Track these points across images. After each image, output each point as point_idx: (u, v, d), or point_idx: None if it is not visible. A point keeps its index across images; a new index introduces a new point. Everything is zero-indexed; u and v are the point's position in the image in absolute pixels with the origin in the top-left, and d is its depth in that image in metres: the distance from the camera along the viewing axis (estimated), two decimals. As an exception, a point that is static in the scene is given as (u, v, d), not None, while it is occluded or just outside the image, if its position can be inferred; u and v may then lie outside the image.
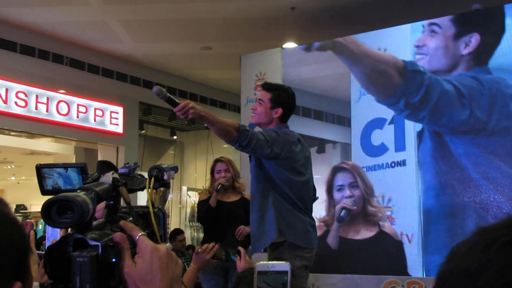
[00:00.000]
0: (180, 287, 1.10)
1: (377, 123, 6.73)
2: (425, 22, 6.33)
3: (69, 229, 1.07)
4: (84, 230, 1.05)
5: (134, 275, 1.04)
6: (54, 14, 7.98)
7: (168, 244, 1.16)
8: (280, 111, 4.12)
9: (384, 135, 6.63)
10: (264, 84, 4.36)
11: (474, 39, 5.97)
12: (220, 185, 5.13)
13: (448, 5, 6.97)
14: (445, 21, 6.20)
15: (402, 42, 6.66)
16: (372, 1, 7.34)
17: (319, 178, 6.68)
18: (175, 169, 1.32)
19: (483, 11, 6.23)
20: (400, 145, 6.50)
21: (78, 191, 1.07)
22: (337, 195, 6.75)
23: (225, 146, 12.61)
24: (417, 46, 6.29)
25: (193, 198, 12.93)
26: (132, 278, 1.04)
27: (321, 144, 7.32)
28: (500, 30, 5.99)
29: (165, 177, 1.26)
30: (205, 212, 5.22)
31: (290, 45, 8.54)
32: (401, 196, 6.46)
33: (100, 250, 1.02)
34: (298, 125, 6.47)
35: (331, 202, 6.80)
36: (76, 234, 1.05)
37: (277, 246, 4.01)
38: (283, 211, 4.01)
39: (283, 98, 4.17)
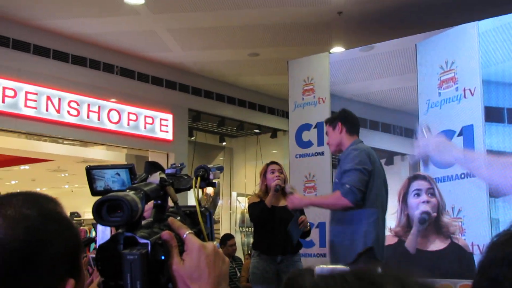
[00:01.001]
0: (227, 284, 1.11)
1: (446, 135, 6.62)
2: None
3: (119, 229, 1.10)
4: (134, 229, 1.08)
5: (182, 272, 1.06)
6: (104, 25, 8.12)
7: (215, 242, 1.18)
8: (339, 125, 4.49)
9: None
10: (324, 121, 4.86)
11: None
12: (277, 186, 5.24)
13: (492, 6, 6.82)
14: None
15: (469, 46, 6.56)
16: (422, 3, 7.25)
17: (389, 189, 6.73)
18: (220, 169, 1.34)
19: None
20: None
21: (127, 190, 1.10)
22: (412, 201, 6.67)
23: (274, 151, 12.68)
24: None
25: (243, 203, 12.95)
26: (180, 275, 1.06)
27: (389, 156, 7.30)
28: None
29: (211, 176, 1.27)
30: (260, 212, 5.26)
31: (337, 49, 8.51)
32: (471, 207, 6.35)
33: (149, 248, 1.05)
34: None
35: (403, 211, 6.73)
36: (126, 233, 1.07)
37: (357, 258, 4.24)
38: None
39: (336, 115, 4.71)
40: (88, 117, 8.71)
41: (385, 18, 7.67)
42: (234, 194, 13.08)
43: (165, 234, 1.08)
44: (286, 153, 8.52)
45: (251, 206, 5.47)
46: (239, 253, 10.57)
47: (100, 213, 1.05)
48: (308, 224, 5.33)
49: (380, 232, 4.39)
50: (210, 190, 10.96)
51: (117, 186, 1.29)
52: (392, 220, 6.65)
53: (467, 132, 6.43)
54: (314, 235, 7.21)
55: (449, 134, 6.51)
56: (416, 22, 7.50)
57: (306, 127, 7.73)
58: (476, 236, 6.23)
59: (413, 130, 6.89)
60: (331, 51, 8.26)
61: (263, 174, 5.53)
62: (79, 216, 14.83)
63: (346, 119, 4.59)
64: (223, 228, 12.44)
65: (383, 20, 7.71)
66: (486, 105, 6.32)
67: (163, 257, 1.06)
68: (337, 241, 4.41)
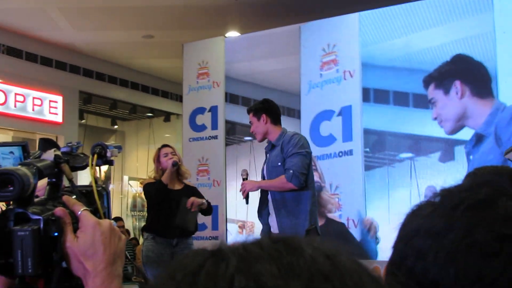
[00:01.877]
0: (123, 261, 1.09)
1: (326, 115, 6.91)
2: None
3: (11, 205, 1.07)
4: (26, 205, 1.04)
5: (76, 249, 1.04)
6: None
7: (111, 221, 1.17)
8: (264, 116, 4.80)
9: (332, 127, 6.81)
10: (247, 110, 5.06)
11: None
12: (174, 161, 5.27)
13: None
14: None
15: (350, 34, 6.85)
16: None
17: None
18: (118, 147, 1.32)
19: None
20: (347, 136, 6.64)
21: (19, 166, 1.07)
22: None
23: (167, 135, 12.64)
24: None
25: (135, 188, 12.87)
26: (74, 252, 1.04)
27: None
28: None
29: (108, 154, 1.26)
30: (156, 190, 5.25)
31: (233, 34, 8.56)
32: (348, 183, 6.65)
33: (42, 224, 1.02)
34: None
35: None
36: (17, 209, 1.04)
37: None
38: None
39: (259, 106, 4.92)
40: (-29, 97, 8.38)
41: (280, 5, 7.78)
42: (125, 178, 12.95)
43: (58, 210, 1.06)
44: (180, 137, 8.51)
45: (147, 185, 5.43)
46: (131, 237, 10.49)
47: None
48: (204, 201, 5.36)
49: (316, 211, 4.85)
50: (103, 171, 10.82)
51: (9, 164, 1.26)
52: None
53: (345, 112, 6.73)
54: (207, 218, 7.27)
55: (329, 114, 6.84)
56: (306, 10, 7.66)
57: (200, 110, 7.76)
58: (351, 211, 6.56)
59: (295, 110, 7.25)
60: (226, 35, 8.29)
61: (157, 159, 5.51)
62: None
63: (269, 110, 4.88)
64: (114, 212, 12.27)
65: (280, 5, 7.81)
66: (364, 87, 6.67)
67: (56, 234, 1.04)
68: (285, 222, 4.66)
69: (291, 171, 4.55)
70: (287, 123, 7.38)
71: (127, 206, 12.93)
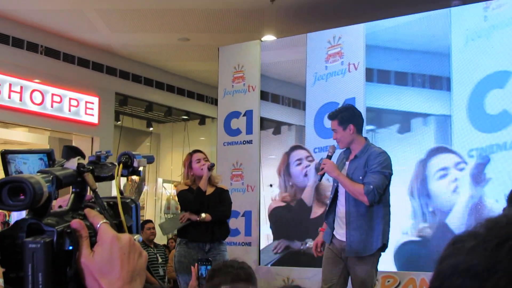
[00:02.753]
0: (143, 280, 1.03)
1: (330, 106, 6.96)
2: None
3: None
4: (41, 216, 0.99)
5: (91, 265, 0.97)
6: (28, 1, 7.87)
7: (137, 236, 1.10)
8: (351, 126, 4.85)
9: None
10: (328, 116, 5.09)
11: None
12: (212, 164, 5.39)
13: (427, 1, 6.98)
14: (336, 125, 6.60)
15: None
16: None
17: (274, 158, 7.36)
18: (151, 158, 1.26)
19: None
20: None
21: (37, 173, 1.01)
22: (296, 169, 7.22)
23: (202, 138, 12.67)
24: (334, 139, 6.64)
25: (169, 190, 12.92)
26: (88, 268, 0.97)
27: (277, 126, 7.75)
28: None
29: (135, 164, 1.19)
30: (195, 196, 5.30)
31: (269, 37, 8.52)
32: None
33: (55, 237, 0.96)
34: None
35: (287, 182, 7.30)
36: (30, 219, 0.99)
37: None
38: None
39: (346, 116, 4.92)
40: (9, 97, 8.50)
41: (316, 9, 7.72)
42: (160, 180, 13.02)
43: (75, 222, 0.99)
44: (214, 141, 8.52)
45: (181, 193, 5.46)
46: (164, 240, 10.51)
47: (1, 196, 0.95)
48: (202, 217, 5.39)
49: (389, 230, 4.80)
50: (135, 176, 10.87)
51: (32, 171, 1.21)
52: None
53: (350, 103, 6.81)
54: (240, 223, 7.24)
55: (333, 105, 6.82)
56: (341, 14, 7.58)
57: (235, 114, 7.74)
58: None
59: (300, 101, 7.43)
60: (262, 39, 8.25)
61: (188, 164, 5.52)
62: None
63: (356, 120, 4.93)
64: (148, 214, 12.38)
65: (315, 9, 7.75)
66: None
67: (70, 247, 0.98)
68: (356, 235, 4.66)
69: (371, 187, 4.57)
70: (292, 113, 7.59)
71: (160, 208, 12.99)
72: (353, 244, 4.66)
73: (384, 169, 4.67)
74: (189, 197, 5.35)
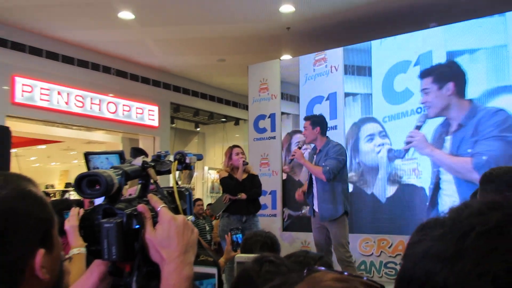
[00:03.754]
0: (195, 251, 1.02)
1: (317, 99, 7.24)
2: (420, 86, 6.30)
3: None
4: (113, 202, 1.00)
5: (154, 240, 0.98)
6: (102, 35, 7.93)
7: (190, 216, 1.10)
8: (318, 128, 5.05)
9: (322, 108, 7.01)
10: (304, 117, 5.35)
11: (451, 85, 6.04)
12: (245, 162, 5.49)
13: (409, 24, 6.85)
14: (429, 83, 6.21)
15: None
16: (348, 23, 7.24)
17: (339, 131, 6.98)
18: (200, 156, 1.25)
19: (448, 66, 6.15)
20: (333, 115, 6.99)
21: (110, 169, 1.02)
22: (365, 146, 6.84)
23: (237, 135, 12.66)
24: (423, 102, 6.28)
25: (213, 175, 12.99)
26: (152, 242, 0.98)
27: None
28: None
29: (187, 160, 1.18)
30: (234, 186, 5.40)
31: (286, 57, 8.47)
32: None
33: (125, 218, 0.97)
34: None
35: (287, 156, 7.08)
36: (105, 205, 1.00)
37: None
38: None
39: (317, 120, 5.12)
40: (90, 108, 8.61)
41: (323, 33, 7.65)
42: (206, 168, 13.09)
43: (140, 206, 1.00)
44: (246, 137, 8.47)
45: (224, 180, 5.52)
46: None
47: (80, 187, 0.97)
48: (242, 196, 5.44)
49: (347, 200, 5.07)
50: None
51: (106, 167, 1.21)
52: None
53: (332, 97, 7.02)
54: (267, 199, 7.22)
55: (319, 99, 7.14)
56: (344, 37, 7.48)
57: (262, 117, 7.75)
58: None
59: (295, 96, 7.55)
60: (281, 58, 8.21)
61: (229, 156, 5.56)
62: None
63: (323, 125, 5.14)
64: (197, 194, 12.45)
65: (321, 35, 7.68)
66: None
67: (137, 226, 0.98)
68: (324, 206, 4.97)
69: (327, 168, 4.84)
70: (287, 106, 7.60)
71: (207, 189, 13.08)
72: (323, 212, 4.96)
73: (338, 156, 4.94)
74: (229, 184, 5.41)
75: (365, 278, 0.79)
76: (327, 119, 5.56)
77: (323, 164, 4.88)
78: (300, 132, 7.06)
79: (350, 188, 6.14)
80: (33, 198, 0.92)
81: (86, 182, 0.97)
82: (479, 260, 0.59)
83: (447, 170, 5.87)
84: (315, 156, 5.12)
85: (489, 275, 0.58)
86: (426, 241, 0.65)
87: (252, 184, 5.50)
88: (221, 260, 3.44)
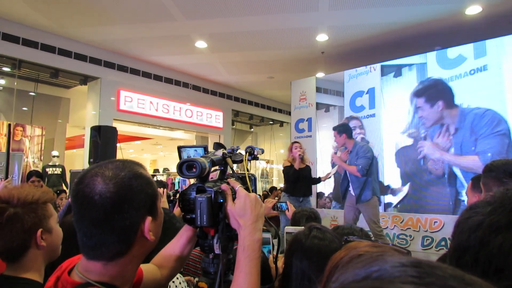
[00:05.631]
0: (263, 221, 1.02)
1: (359, 93, 6.79)
2: (414, 105, 6.03)
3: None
4: (203, 182, 1.01)
5: (233, 211, 0.99)
6: (183, 59, 8.06)
7: (256, 194, 1.10)
8: (344, 135, 4.94)
9: (363, 100, 6.70)
10: (333, 128, 5.24)
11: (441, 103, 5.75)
12: (301, 156, 5.18)
13: (418, 47, 6.61)
14: (422, 103, 5.95)
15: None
16: (371, 47, 7.06)
17: (377, 118, 6.55)
18: (262, 150, 1.26)
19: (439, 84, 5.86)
20: (372, 105, 6.64)
21: (201, 157, 1.03)
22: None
23: (281, 135, 12.57)
24: (420, 117, 6.01)
25: (263, 164, 12.95)
26: (232, 213, 0.99)
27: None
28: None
29: (256, 153, 1.18)
30: (293, 174, 5.13)
31: (320, 74, 8.35)
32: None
33: (213, 194, 0.98)
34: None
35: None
36: (198, 184, 1.01)
37: None
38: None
39: (341, 129, 5.02)
40: (173, 113, 8.73)
41: (352, 54, 7.50)
42: (257, 159, 13.08)
43: (223, 186, 1.02)
44: (289, 136, 8.42)
45: (286, 168, 5.26)
46: (260, 193, 10.54)
47: (181, 169, 0.99)
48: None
49: (376, 186, 4.94)
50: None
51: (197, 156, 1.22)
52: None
53: (371, 92, 6.65)
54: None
55: (360, 93, 6.77)
56: (370, 58, 7.31)
57: (301, 120, 7.64)
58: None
59: (341, 91, 7.16)
60: (316, 75, 8.10)
61: (290, 149, 5.32)
62: (168, 170, 14.94)
63: (347, 131, 5.02)
64: (251, 179, 12.45)
65: (350, 56, 7.53)
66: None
67: (221, 200, 0.99)
68: (358, 192, 4.90)
69: (360, 166, 4.78)
70: (333, 99, 7.30)
71: (258, 175, 13.05)
72: (357, 196, 4.88)
73: (366, 154, 4.80)
74: (289, 171, 5.16)
75: (391, 244, 0.76)
76: (367, 109, 5.40)
77: (356, 163, 4.75)
78: (355, 118, 6.75)
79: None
80: (144, 178, 0.93)
81: (186, 166, 0.98)
82: None
83: (459, 168, 5.56)
84: (349, 155, 4.99)
85: None
86: (477, 216, 0.62)
87: (309, 173, 5.24)
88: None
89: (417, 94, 5.95)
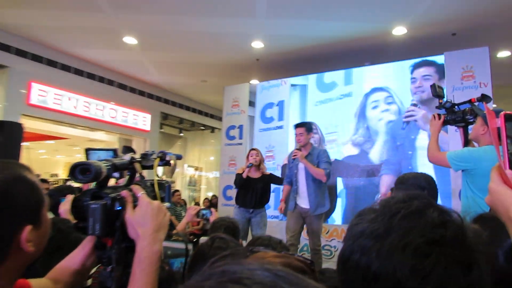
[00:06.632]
0: (165, 231, 1.00)
1: (269, 105, 6.97)
2: (420, 74, 6.28)
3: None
4: (102, 187, 0.98)
5: (132, 219, 0.96)
6: (109, 55, 7.78)
7: (167, 203, 1.08)
8: (312, 133, 4.74)
9: (273, 112, 6.84)
10: (299, 124, 4.78)
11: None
12: (250, 164, 5.02)
13: (348, 61, 7.00)
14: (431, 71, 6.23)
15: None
16: (306, 57, 7.34)
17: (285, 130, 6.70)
18: (179, 156, 1.24)
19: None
20: (281, 117, 6.66)
21: (102, 161, 1.00)
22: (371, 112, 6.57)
23: (212, 141, 12.57)
24: (417, 87, 6.21)
25: (191, 171, 12.85)
26: (130, 221, 0.96)
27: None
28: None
29: (167, 158, 1.17)
30: (239, 180, 5.05)
31: (254, 81, 8.50)
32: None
33: (109, 201, 0.95)
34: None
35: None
36: (93, 189, 0.98)
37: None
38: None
39: (309, 126, 4.76)
40: (95, 112, 8.41)
41: (286, 64, 7.72)
42: (185, 165, 12.92)
43: (123, 192, 0.99)
44: (219, 143, 8.44)
45: (236, 175, 5.16)
46: (188, 203, 10.41)
47: (74, 173, 0.95)
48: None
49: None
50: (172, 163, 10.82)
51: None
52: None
53: (280, 104, 7.28)
54: (233, 193, 7.15)
55: (271, 105, 7.40)
56: (303, 68, 7.59)
57: (232, 127, 7.73)
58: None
59: (252, 101, 7.68)
60: (250, 82, 8.24)
61: (246, 157, 5.24)
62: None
63: (312, 131, 4.82)
64: (177, 186, 12.26)
65: (285, 65, 7.75)
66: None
67: (119, 208, 0.96)
68: (315, 201, 4.59)
69: (328, 170, 4.49)
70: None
71: (185, 182, 12.89)
72: (314, 206, 4.56)
73: (329, 160, 4.61)
74: (236, 180, 5.11)
75: (296, 255, 0.80)
76: (276, 121, 5.47)
77: (322, 167, 4.49)
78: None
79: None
80: (26, 182, 0.88)
81: (79, 170, 0.95)
82: (404, 236, 0.61)
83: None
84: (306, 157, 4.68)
85: (411, 246, 0.61)
86: (362, 223, 0.67)
87: (262, 182, 5.11)
88: (182, 223, 3.25)
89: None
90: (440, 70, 6.04)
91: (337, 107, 6.84)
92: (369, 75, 6.60)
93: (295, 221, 4.66)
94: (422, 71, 6.25)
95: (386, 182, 5.94)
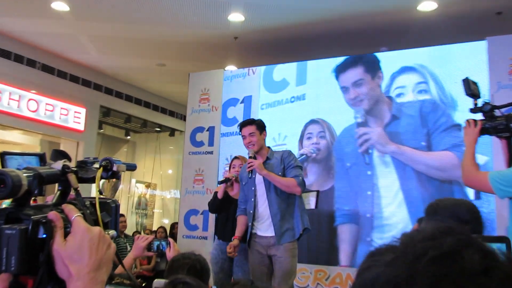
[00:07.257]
0: (109, 269, 0.97)
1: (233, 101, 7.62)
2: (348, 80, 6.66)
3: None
4: (21, 206, 0.95)
5: (62, 253, 0.92)
6: (30, 24, 7.69)
7: (112, 231, 1.07)
8: (264, 133, 4.55)
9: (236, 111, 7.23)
10: (247, 122, 4.61)
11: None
12: (226, 179, 4.86)
13: (357, 45, 7.11)
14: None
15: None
16: (300, 38, 7.42)
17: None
18: (132, 166, 1.23)
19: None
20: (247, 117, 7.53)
21: (23, 169, 0.97)
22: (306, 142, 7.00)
23: (171, 147, 12.56)
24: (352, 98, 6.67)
25: (141, 189, 12.76)
26: (60, 255, 0.92)
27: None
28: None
29: (115, 168, 1.15)
30: (212, 201, 4.98)
31: (231, 68, 8.54)
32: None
33: (30, 226, 0.91)
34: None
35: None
36: (9, 209, 0.94)
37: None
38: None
39: (263, 124, 4.58)
40: (8, 104, 8.28)
41: (272, 46, 7.78)
42: (133, 180, 12.84)
43: (51, 214, 0.95)
44: (181, 150, 8.44)
45: (214, 194, 5.08)
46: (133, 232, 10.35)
47: None
48: None
49: (306, 215, 4.53)
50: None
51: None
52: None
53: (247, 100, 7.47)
54: (198, 220, 7.18)
55: (234, 101, 7.58)
56: (299, 53, 7.66)
57: (200, 129, 7.73)
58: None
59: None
60: (226, 68, 8.28)
61: (229, 168, 5.14)
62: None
63: (265, 130, 4.58)
64: (121, 209, 12.15)
65: (272, 46, 7.81)
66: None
67: (44, 235, 0.93)
68: (281, 225, 4.34)
69: (300, 178, 4.30)
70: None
71: (132, 204, 12.80)
72: (280, 233, 4.32)
73: (299, 163, 4.45)
74: (210, 202, 5.07)
75: None
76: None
77: (292, 175, 4.31)
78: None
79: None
80: None
81: None
82: (432, 285, 0.59)
83: (420, 169, 5.92)
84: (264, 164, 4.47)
85: None
86: (376, 266, 0.64)
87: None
88: (128, 259, 3.26)
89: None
90: (372, 66, 6.52)
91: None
92: (388, 62, 6.69)
93: (258, 263, 4.45)
94: (351, 76, 6.71)
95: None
